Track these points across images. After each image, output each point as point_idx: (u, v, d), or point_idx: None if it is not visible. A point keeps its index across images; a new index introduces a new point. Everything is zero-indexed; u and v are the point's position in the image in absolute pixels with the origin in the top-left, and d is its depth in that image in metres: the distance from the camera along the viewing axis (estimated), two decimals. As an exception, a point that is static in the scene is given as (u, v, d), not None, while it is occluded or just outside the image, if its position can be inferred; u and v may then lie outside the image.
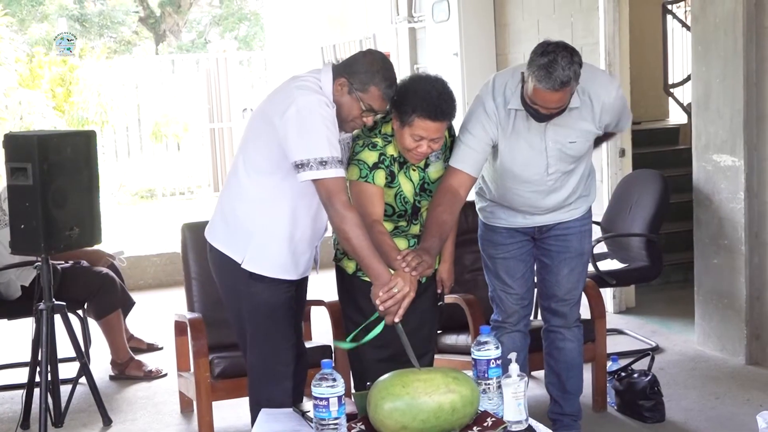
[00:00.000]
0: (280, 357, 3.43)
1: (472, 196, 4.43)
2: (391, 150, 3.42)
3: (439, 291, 3.76)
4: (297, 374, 3.50)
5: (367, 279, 3.39)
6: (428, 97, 3.25)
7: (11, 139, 4.36)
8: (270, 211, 3.30)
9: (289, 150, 3.16)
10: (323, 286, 4.08)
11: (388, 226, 3.50)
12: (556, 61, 3.29)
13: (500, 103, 3.56)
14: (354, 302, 3.62)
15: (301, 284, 3.55)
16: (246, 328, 3.44)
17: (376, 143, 3.41)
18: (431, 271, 3.39)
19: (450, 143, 3.57)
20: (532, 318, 4.10)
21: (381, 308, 3.15)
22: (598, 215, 4.30)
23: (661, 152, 7.61)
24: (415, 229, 3.56)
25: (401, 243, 3.52)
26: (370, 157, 3.39)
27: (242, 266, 3.32)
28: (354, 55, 3.32)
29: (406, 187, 3.47)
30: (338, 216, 3.16)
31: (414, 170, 3.47)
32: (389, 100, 3.27)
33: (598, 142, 3.81)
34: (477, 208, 3.99)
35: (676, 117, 8.71)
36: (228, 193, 3.41)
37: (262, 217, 3.31)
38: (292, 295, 3.44)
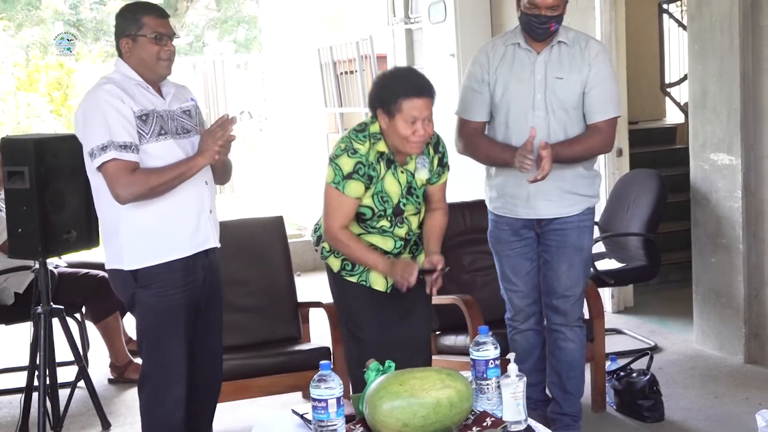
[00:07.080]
0: (172, 365, 3.41)
1: (474, 196, 4.48)
2: (381, 147, 3.41)
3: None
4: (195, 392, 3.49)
5: (351, 279, 3.50)
6: (407, 79, 3.41)
7: (8, 143, 4.34)
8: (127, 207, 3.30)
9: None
10: (321, 288, 4.07)
11: (372, 229, 3.48)
12: None
13: (492, 55, 3.89)
14: (343, 302, 3.64)
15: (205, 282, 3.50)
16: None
17: (358, 150, 3.39)
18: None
19: (437, 160, 3.55)
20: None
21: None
22: (596, 215, 4.30)
23: (658, 152, 7.63)
24: (401, 231, 3.51)
25: (388, 243, 3.49)
26: (346, 164, 3.38)
27: (125, 269, 3.33)
28: None
29: (392, 187, 3.44)
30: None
31: (402, 172, 3.46)
32: None
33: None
34: (486, 198, 4.03)
35: (672, 116, 8.73)
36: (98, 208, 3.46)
37: (119, 212, 3.31)
38: (186, 303, 3.40)
